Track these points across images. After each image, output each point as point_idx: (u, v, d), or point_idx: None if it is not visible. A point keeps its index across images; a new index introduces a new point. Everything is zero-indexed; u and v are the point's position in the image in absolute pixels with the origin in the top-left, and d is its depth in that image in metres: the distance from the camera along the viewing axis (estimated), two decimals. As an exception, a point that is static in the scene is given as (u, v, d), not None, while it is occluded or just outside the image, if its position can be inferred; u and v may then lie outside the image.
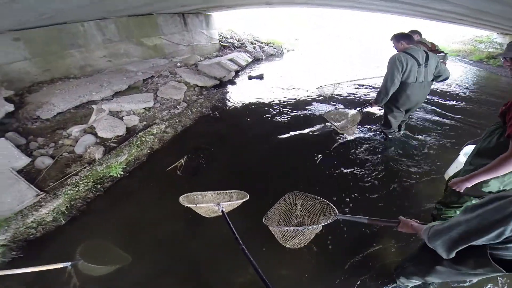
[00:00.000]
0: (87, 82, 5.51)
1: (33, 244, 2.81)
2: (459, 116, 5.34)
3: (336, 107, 5.62)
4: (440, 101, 6.21)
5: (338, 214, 1.90)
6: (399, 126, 4.31)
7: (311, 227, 1.82)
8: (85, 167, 3.55)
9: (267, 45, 11.14)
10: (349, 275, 2.38)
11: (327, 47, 13.20)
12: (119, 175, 3.64)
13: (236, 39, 10.88)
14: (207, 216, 2.36)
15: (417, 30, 4.22)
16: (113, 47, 6.70)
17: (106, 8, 5.31)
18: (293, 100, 6.14)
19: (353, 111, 4.18)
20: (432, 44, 4.27)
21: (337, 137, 4.44)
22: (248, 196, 2.41)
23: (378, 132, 4.57)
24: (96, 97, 5.01)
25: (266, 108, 5.67)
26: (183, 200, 2.23)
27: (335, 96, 6.20)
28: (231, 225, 2.02)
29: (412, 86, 3.35)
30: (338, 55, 11.29)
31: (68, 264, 2.30)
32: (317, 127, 4.82)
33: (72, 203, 3.21)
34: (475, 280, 1.60)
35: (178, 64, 7.11)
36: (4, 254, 2.63)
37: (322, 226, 1.85)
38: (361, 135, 4.54)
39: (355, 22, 19.72)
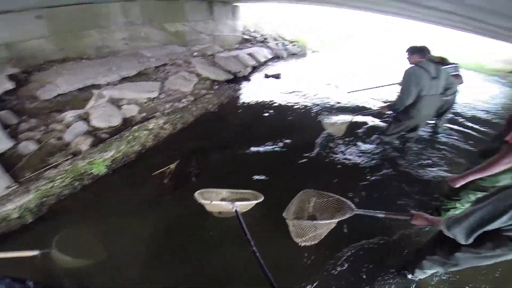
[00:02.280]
0: (98, 64, 5.34)
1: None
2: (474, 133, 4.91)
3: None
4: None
5: (355, 209, 1.93)
6: (405, 142, 4.28)
7: (329, 221, 1.89)
8: (67, 159, 3.31)
9: (291, 43, 10.48)
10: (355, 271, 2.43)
11: (354, 53, 12.24)
12: (102, 173, 3.37)
13: (259, 33, 10.33)
14: (217, 216, 2.32)
15: (426, 46, 4.08)
16: (134, 30, 6.52)
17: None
18: (307, 106, 5.58)
19: (348, 115, 4.19)
20: (441, 58, 4.19)
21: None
22: (263, 197, 2.35)
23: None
24: (102, 81, 4.81)
25: (277, 113, 5.18)
26: (199, 196, 2.19)
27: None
28: (244, 225, 1.97)
29: (424, 99, 3.39)
30: (363, 64, 10.31)
31: (43, 251, 2.18)
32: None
33: (44, 199, 2.97)
34: (491, 262, 1.58)
35: (195, 54, 6.79)
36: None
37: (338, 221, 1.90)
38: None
39: (390, 34, 18.26)
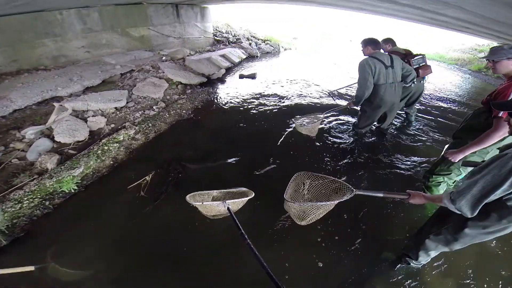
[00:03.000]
0: (56, 75, 4.96)
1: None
2: (441, 119, 5.30)
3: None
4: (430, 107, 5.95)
5: (355, 190, 1.92)
6: (383, 133, 4.46)
7: (329, 202, 1.87)
8: (33, 179, 3.02)
9: (264, 42, 10.51)
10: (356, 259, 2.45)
11: (326, 48, 12.53)
12: (73, 190, 3.11)
13: (231, 34, 10.24)
14: (211, 217, 2.30)
15: (391, 38, 4.41)
16: (94, 37, 6.16)
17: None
18: (284, 106, 5.51)
19: (318, 114, 4.15)
20: (407, 50, 4.38)
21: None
22: (253, 194, 2.33)
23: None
24: (63, 92, 4.47)
25: (254, 114, 5.08)
26: (191, 199, 2.18)
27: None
28: (236, 220, 1.95)
29: (384, 87, 3.54)
30: (334, 57, 10.59)
31: (38, 266, 2.24)
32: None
33: (15, 221, 2.70)
34: (498, 235, 1.60)
35: (164, 58, 6.55)
36: None
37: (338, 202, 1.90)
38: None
39: (360, 26, 19.01)
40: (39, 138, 3.58)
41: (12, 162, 3.26)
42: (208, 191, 2.45)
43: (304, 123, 4.13)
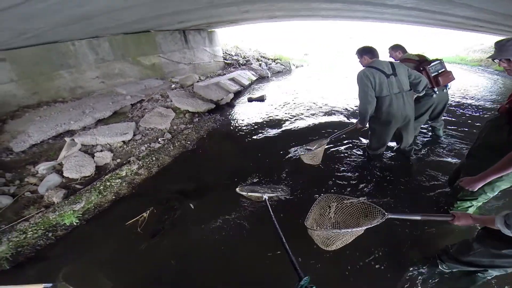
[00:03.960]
0: (71, 107, 5.32)
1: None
2: (476, 130, 4.64)
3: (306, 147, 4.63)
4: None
5: (387, 213, 1.85)
6: (404, 153, 3.98)
7: (358, 228, 1.79)
8: (39, 212, 3.29)
9: (274, 61, 10.72)
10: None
11: (339, 64, 12.51)
12: (75, 223, 3.35)
13: (241, 56, 10.54)
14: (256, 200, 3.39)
15: (400, 45, 4.09)
16: (106, 67, 6.53)
17: (95, 27, 5.12)
18: (292, 130, 5.47)
19: (323, 140, 3.94)
20: (421, 56, 3.94)
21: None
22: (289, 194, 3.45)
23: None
24: (75, 126, 4.77)
25: (259, 140, 5.10)
26: (239, 190, 3.46)
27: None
28: (271, 211, 2.54)
29: (388, 99, 3.19)
30: (346, 71, 10.47)
31: (49, 285, 2.18)
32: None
33: (19, 249, 2.96)
34: None
35: (173, 86, 6.83)
36: None
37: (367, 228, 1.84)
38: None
39: (365, 36, 18.90)
40: (51, 173, 3.86)
41: (25, 195, 3.56)
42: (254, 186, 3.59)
43: (306, 151, 4.12)
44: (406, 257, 2.51)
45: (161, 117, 5.39)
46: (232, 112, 6.57)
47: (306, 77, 9.74)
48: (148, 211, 3.51)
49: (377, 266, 2.47)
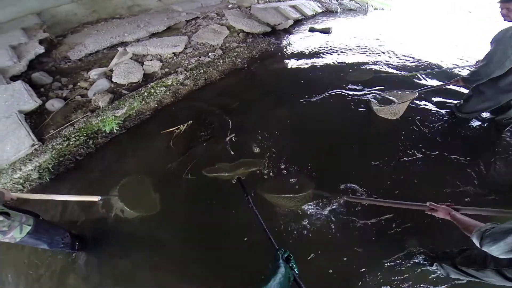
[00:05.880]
0: (127, 23, 5.17)
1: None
2: None
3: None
4: None
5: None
6: (500, 125, 3.28)
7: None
8: (84, 117, 3.24)
9: None
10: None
11: (432, 14, 9.74)
12: (115, 131, 3.24)
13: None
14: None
15: None
16: (166, -15, 6.17)
17: None
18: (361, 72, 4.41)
19: (407, 92, 3.32)
20: None
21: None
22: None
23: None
24: (128, 38, 4.64)
25: (318, 73, 4.35)
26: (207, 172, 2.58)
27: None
28: (245, 186, 2.18)
29: None
30: (439, 26, 7.85)
31: (103, 197, 2.33)
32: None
33: (61, 159, 2.95)
34: None
35: (230, 6, 6.22)
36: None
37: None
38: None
39: None
40: (101, 78, 3.78)
41: (75, 99, 3.55)
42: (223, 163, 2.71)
43: (384, 101, 3.45)
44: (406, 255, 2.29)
45: (215, 33, 4.93)
46: (289, 39, 5.72)
47: (385, 20, 7.79)
48: (186, 124, 3.24)
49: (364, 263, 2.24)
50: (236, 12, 5.86)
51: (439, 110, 3.53)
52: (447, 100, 3.68)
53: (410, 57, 4.90)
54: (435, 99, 3.72)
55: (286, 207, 2.48)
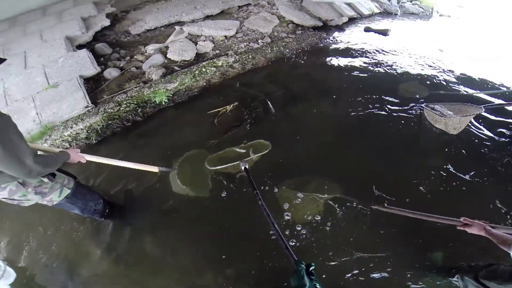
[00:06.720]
0: (185, 3, 5.41)
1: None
2: None
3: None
4: None
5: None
6: None
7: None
8: (137, 86, 3.52)
9: (411, 1, 8.63)
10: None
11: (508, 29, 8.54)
12: (163, 103, 3.47)
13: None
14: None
15: None
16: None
17: None
18: (421, 79, 4.28)
19: (471, 107, 3.07)
20: None
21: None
22: (270, 147, 2.38)
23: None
24: (185, 18, 4.90)
25: (372, 74, 4.26)
26: (208, 164, 2.39)
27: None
28: (253, 180, 2.01)
29: None
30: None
31: (164, 169, 2.41)
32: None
33: (110, 122, 3.22)
34: None
35: (283, -4, 6.27)
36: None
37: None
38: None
39: None
40: (156, 53, 4.06)
41: (131, 70, 3.86)
42: (227, 149, 2.60)
43: (444, 113, 3.21)
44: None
45: (265, 21, 5.05)
46: (341, 36, 5.55)
47: (450, 30, 7.08)
48: (231, 106, 3.40)
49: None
50: (287, 3, 5.89)
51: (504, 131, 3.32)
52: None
53: (477, 76, 4.48)
54: (500, 119, 3.50)
55: (306, 209, 2.44)
